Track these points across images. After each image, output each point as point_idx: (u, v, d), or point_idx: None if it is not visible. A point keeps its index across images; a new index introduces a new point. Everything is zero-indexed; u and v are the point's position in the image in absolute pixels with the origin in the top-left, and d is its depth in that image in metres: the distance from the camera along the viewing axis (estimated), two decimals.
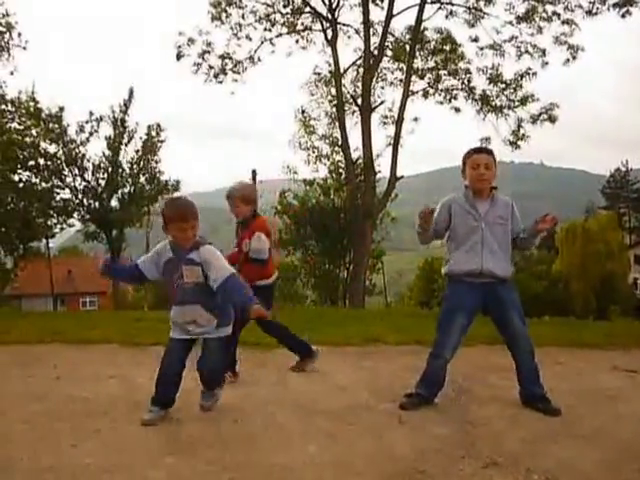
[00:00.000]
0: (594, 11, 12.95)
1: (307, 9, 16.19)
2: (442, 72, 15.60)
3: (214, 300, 3.24)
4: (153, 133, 23.56)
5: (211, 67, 16.71)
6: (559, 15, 13.69)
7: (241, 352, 4.49)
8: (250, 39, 16.42)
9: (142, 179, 23.64)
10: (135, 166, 23.49)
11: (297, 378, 4.26)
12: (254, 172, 28.00)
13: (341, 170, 17.56)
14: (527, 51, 14.34)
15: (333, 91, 16.16)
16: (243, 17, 16.15)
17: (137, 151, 23.49)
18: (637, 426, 3.25)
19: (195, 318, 3.25)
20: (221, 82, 16.82)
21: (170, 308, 3.38)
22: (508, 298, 3.54)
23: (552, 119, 14.37)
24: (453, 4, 14.80)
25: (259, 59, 16.60)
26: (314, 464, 2.69)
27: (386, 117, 16.39)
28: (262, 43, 16.40)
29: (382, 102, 15.91)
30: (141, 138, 23.58)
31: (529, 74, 14.30)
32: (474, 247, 3.46)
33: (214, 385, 3.47)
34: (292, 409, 3.48)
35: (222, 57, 16.68)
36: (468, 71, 15.43)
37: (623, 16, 12.78)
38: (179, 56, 16.53)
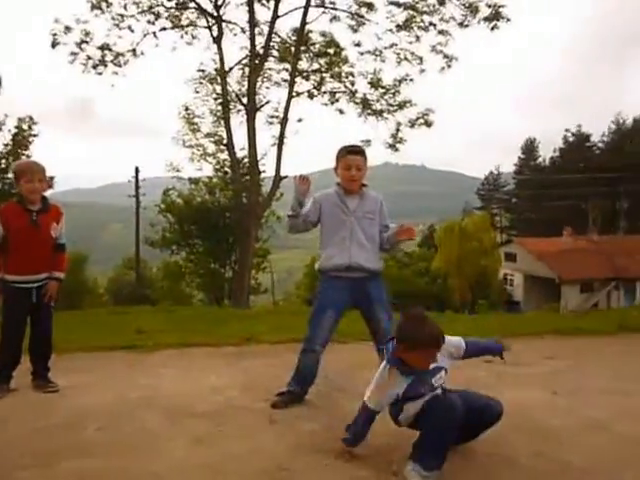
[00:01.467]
0: (466, 23, 13.91)
1: (192, 4, 15.83)
2: (326, 75, 15.91)
3: None
4: (24, 126, 21.84)
5: (89, 57, 15.87)
6: (435, 25, 14.46)
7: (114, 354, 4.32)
8: (132, 31, 15.78)
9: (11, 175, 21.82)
10: (3, 161, 21.64)
11: (170, 380, 4.15)
12: (137, 169, 27.16)
13: (227, 169, 17.37)
14: (406, 58, 15.00)
15: (218, 89, 15.92)
16: (125, 8, 15.50)
17: (6, 145, 21.65)
18: None
19: None
20: (100, 74, 16.03)
21: None
22: (375, 293, 3.63)
23: (428, 123, 15.16)
24: (337, 9, 15.14)
25: (142, 52, 16.00)
26: (180, 468, 2.64)
27: (272, 117, 16.42)
28: (145, 36, 15.82)
29: (267, 102, 15.94)
30: (10, 131, 21.75)
31: (406, 80, 15.03)
32: (343, 241, 3.54)
33: None
34: (162, 412, 3.39)
35: (102, 48, 15.88)
36: (351, 75, 15.84)
37: (492, 29, 13.82)
38: (54, 44, 15.56)
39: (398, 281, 32.02)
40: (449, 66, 14.78)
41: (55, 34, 15.29)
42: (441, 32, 14.40)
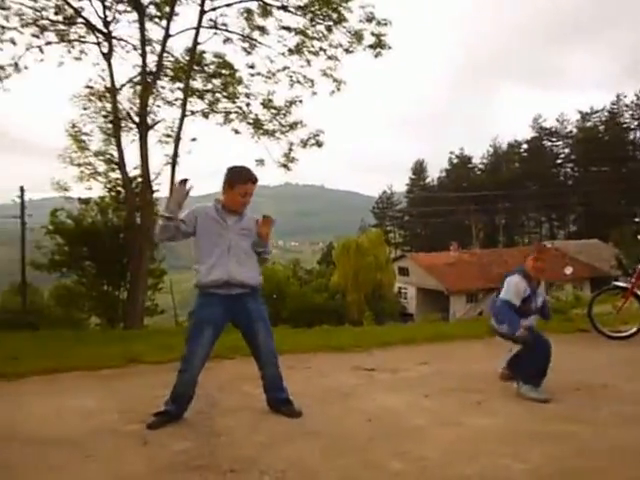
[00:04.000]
0: (351, 50, 14.61)
1: (80, 20, 15.31)
2: (220, 95, 15.98)
3: None
4: None
5: None
6: (325, 51, 15.02)
7: None
8: (15, 44, 14.97)
9: None
10: None
11: (38, 408, 3.97)
12: (22, 189, 25.70)
13: (119, 188, 16.88)
14: (298, 81, 15.44)
15: (108, 106, 15.49)
16: (7, 19, 14.69)
17: None
18: (363, 419, 3.67)
19: None
20: None
21: None
22: (255, 309, 3.71)
23: (319, 144, 15.64)
24: (229, 31, 15.29)
25: (25, 67, 15.21)
26: None
27: (167, 136, 16.19)
28: (27, 50, 15.07)
29: (159, 121, 15.67)
30: None
31: (296, 102, 15.51)
32: (221, 257, 3.58)
33: None
34: (20, 441, 3.24)
35: None
36: (246, 96, 16.02)
37: (376, 56, 14.65)
38: None
39: (299, 297, 32.40)
40: (338, 89, 15.41)
41: None
42: (330, 57, 15.01)
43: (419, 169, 71.19)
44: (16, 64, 15.12)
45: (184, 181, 3.60)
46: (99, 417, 3.73)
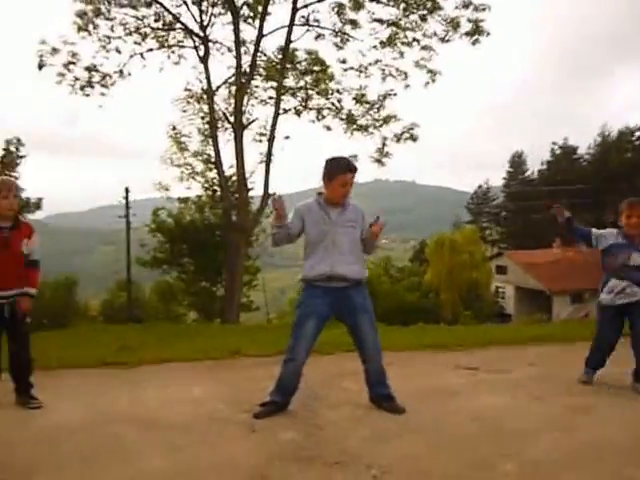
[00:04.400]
0: (447, 38, 14.22)
1: (178, 25, 15.98)
2: (312, 91, 16.09)
3: None
4: (12, 148, 21.89)
5: (77, 79, 15.91)
6: (418, 41, 14.72)
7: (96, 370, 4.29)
8: (119, 52, 15.88)
9: None
10: None
11: (151, 394, 4.15)
12: (127, 189, 27.20)
13: (216, 187, 17.46)
14: (391, 74, 15.24)
15: (205, 108, 16.05)
16: (112, 29, 15.60)
17: None
18: (468, 419, 3.51)
19: None
20: (88, 95, 16.06)
21: None
22: (359, 303, 3.65)
23: (414, 138, 15.37)
24: (321, 27, 15.36)
25: (129, 73, 16.09)
26: (154, 476, 2.66)
27: (260, 134, 16.53)
28: (131, 57, 15.92)
29: (254, 120, 16.04)
30: None
31: (390, 95, 15.29)
32: (325, 250, 3.57)
33: None
34: (141, 425, 3.38)
35: (89, 69, 15.95)
36: (338, 91, 16.03)
37: (473, 44, 14.15)
38: (41, 65, 15.57)
39: (390, 296, 32.03)
40: (433, 81, 15.05)
41: (42, 55, 15.32)
42: (424, 47, 14.69)
43: (517, 162, 67.95)
44: (121, 71, 15.99)
45: (278, 201, 3.56)
46: (207, 405, 3.83)
